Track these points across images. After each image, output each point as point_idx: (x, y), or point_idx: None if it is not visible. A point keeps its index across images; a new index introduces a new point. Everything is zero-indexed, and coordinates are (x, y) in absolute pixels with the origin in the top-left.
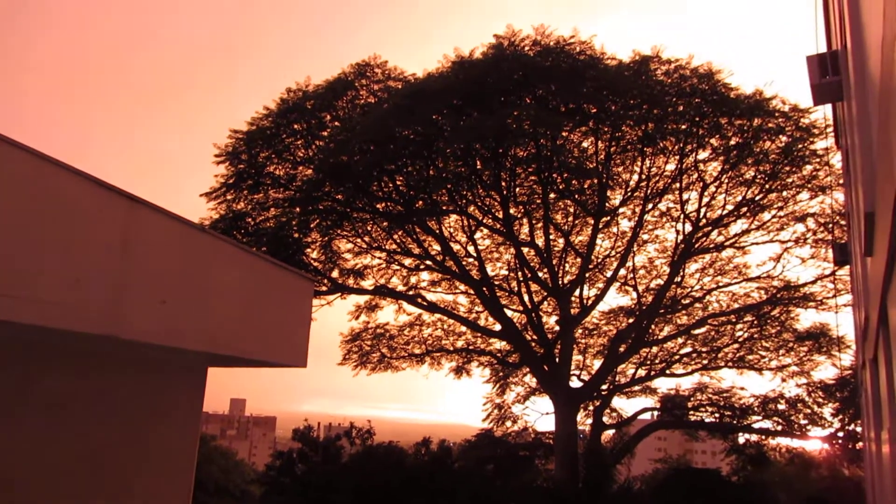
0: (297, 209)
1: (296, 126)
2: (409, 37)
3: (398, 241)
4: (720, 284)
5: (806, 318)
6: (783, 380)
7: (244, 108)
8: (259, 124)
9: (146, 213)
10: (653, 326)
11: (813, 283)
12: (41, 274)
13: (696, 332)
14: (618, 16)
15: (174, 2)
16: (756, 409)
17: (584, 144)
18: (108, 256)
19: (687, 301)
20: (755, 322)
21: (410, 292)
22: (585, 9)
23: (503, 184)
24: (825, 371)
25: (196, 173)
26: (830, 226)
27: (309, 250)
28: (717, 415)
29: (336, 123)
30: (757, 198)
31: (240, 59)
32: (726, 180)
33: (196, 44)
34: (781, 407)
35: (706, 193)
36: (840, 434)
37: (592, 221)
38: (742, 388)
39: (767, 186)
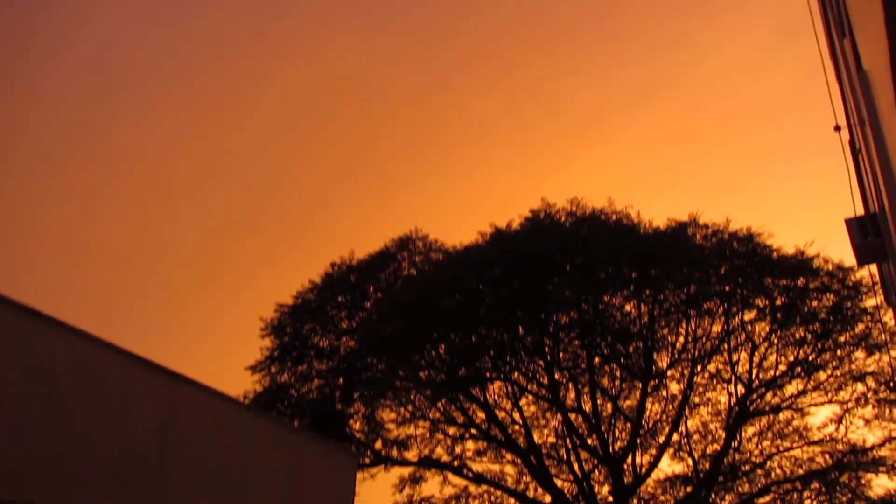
0: (341, 380)
1: (340, 298)
2: (448, 212)
3: (442, 409)
4: (781, 448)
5: (878, 485)
6: None
7: (288, 284)
8: (304, 297)
9: (188, 392)
10: (713, 495)
11: (881, 445)
12: (81, 455)
13: (761, 501)
14: (653, 186)
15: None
16: None
17: (627, 308)
18: (149, 436)
19: (747, 467)
20: (823, 489)
21: (456, 463)
22: (623, 186)
23: (547, 349)
24: None
25: (241, 348)
26: (892, 384)
27: (352, 421)
28: None
29: (379, 294)
30: (810, 357)
31: (281, 237)
32: (776, 340)
33: (238, 219)
34: None
35: (756, 354)
36: None
37: (640, 385)
38: None
39: (819, 346)
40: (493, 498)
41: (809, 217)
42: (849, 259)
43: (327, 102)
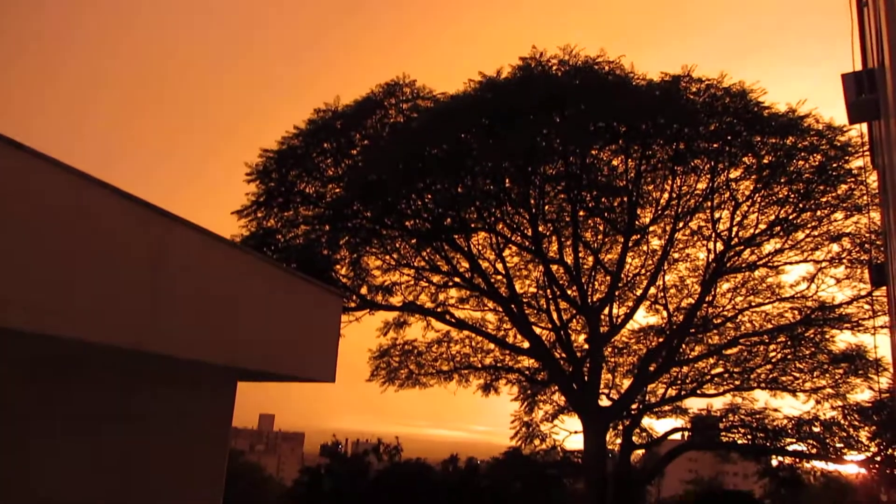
0: (327, 226)
1: (325, 145)
2: (438, 58)
3: (427, 258)
4: (753, 304)
5: (841, 340)
6: (818, 402)
7: (275, 130)
8: (289, 143)
9: (178, 229)
10: (683, 346)
11: (849, 303)
12: (75, 289)
13: (728, 352)
14: (646, 39)
15: (206, 31)
16: (790, 430)
17: (614, 163)
18: (141, 271)
19: (718, 321)
20: (789, 343)
21: (439, 309)
22: (612, 35)
23: (532, 201)
24: (861, 394)
25: (228, 192)
26: (867, 246)
27: (338, 267)
28: (749, 436)
29: (365, 142)
30: (790, 217)
31: (269, 81)
32: (759, 199)
33: (226, 66)
34: (816, 429)
35: (738, 212)
36: (877, 458)
37: (622, 239)
38: (775, 410)
39: (801, 206)
40: (473, 343)
41: (808, 75)
42: (841, 119)
43: None
